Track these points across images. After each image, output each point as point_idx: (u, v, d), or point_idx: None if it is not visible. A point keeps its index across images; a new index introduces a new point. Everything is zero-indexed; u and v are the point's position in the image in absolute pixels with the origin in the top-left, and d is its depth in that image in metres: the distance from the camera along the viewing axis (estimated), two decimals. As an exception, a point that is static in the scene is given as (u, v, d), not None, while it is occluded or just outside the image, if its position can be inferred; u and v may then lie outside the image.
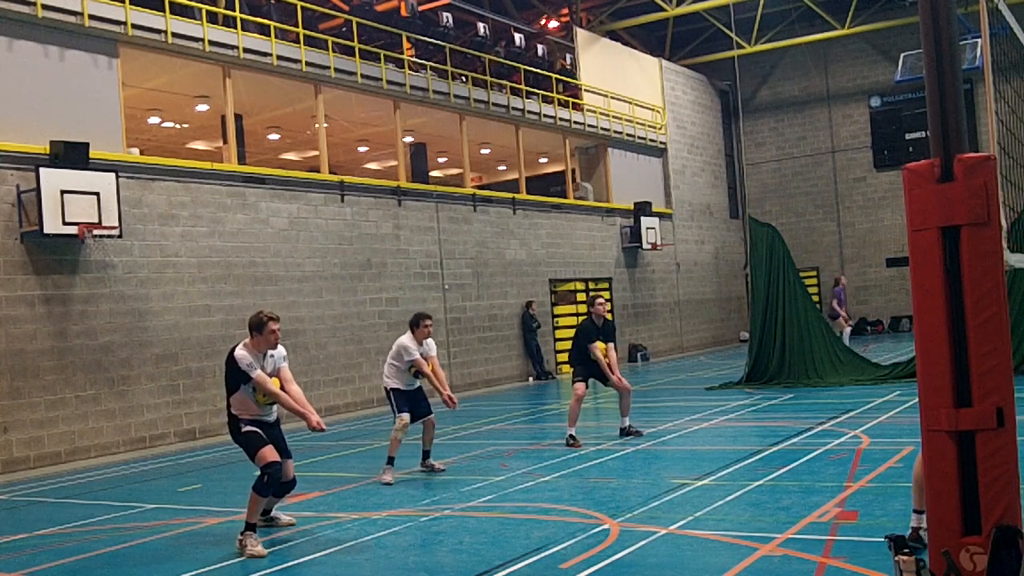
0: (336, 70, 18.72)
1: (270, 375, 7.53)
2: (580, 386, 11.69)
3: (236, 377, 7.46)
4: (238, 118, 18.37)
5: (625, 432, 12.02)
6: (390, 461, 9.98)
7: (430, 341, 10.27)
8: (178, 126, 21.90)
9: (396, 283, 19.52)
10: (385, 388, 10.25)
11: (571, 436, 11.58)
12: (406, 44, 21.24)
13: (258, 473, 7.42)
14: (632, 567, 6.11)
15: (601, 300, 11.99)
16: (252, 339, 7.53)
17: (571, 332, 21.83)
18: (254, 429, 7.51)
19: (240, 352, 7.45)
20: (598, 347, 11.64)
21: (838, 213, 33.40)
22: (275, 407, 7.74)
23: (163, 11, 15.61)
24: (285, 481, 7.73)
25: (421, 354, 10.03)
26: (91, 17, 14.50)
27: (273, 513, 8.08)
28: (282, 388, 7.57)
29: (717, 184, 33.44)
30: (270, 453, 7.38)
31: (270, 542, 7.51)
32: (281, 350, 7.73)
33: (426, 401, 10.30)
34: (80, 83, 14.53)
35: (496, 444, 12.43)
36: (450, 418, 14.56)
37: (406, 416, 9.98)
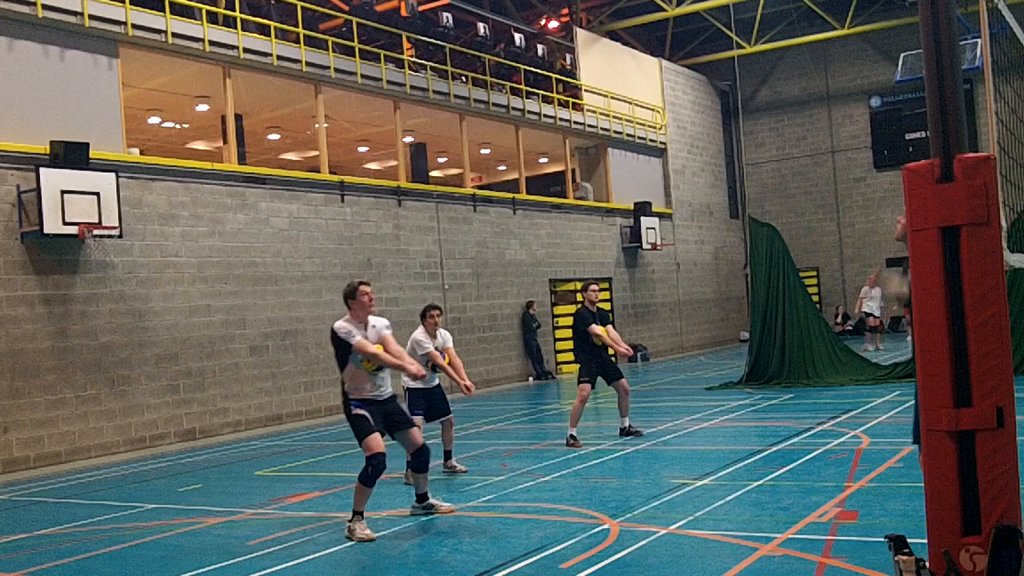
0: (336, 70, 18.72)
1: (373, 344, 7.61)
2: (586, 387, 11.65)
3: (342, 349, 7.58)
4: (238, 118, 18.37)
5: (625, 432, 12.01)
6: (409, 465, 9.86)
7: (446, 333, 10.22)
8: (178, 126, 21.90)
9: (396, 283, 19.52)
10: (403, 387, 10.07)
11: (572, 436, 11.58)
12: (406, 44, 21.25)
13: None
14: (632, 567, 6.10)
15: (594, 287, 12.02)
16: (350, 311, 7.68)
17: (572, 332, 21.56)
18: (363, 414, 7.54)
19: (339, 323, 7.63)
20: (598, 328, 11.64)
21: (838, 213, 33.40)
22: (387, 382, 7.77)
23: (163, 11, 15.62)
24: (415, 451, 7.83)
25: (436, 347, 9.95)
26: (91, 17, 14.50)
27: (431, 500, 8.15)
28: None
29: (717, 184, 33.44)
30: (375, 443, 7.43)
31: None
32: (383, 320, 7.87)
33: (445, 400, 10.15)
34: (80, 83, 14.53)
35: (496, 444, 12.43)
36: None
37: (418, 418, 9.81)
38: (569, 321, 24.35)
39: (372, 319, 7.73)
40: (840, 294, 32.89)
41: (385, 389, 7.73)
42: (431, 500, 8.18)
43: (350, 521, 7.49)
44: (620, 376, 11.88)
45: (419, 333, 10.00)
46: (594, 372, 11.70)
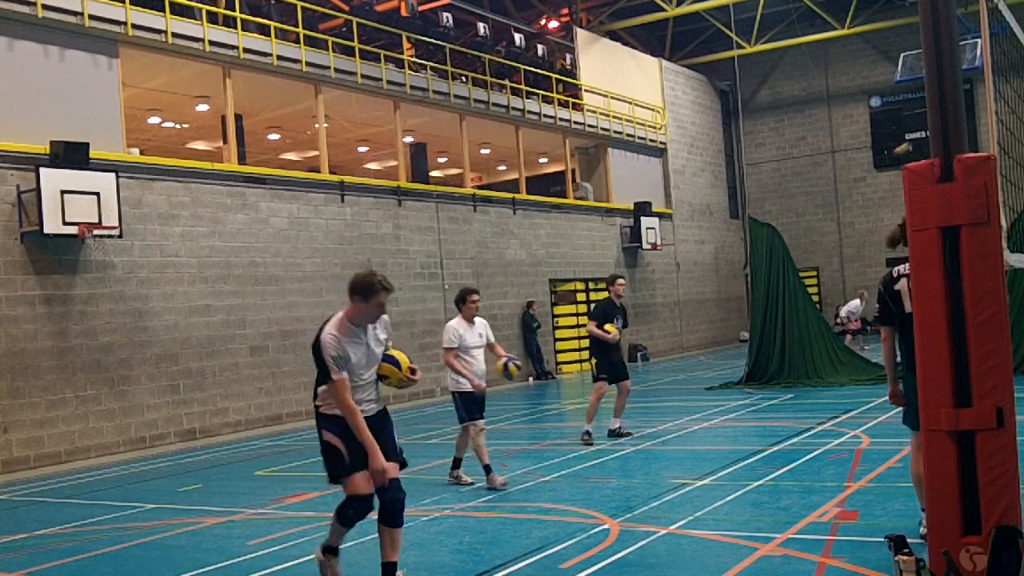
0: (336, 70, 18.72)
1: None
2: (603, 385, 11.68)
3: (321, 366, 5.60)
4: (238, 118, 18.37)
5: (614, 433, 11.94)
6: (457, 464, 9.59)
7: (484, 324, 9.30)
8: (178, 126, 21.89)
9: (396, 283, 19.48)
10: (451, 391, 9.46)
11: (587, 432, 11.55)
12: (406, 44, 21.24)
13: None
14: (632, 567, 6.10)
15: (622, 280, 11.96)
16: (353, 307, 5.71)
17: (571, 332, 21.39)
18: (335, 443, 5.55)
19: (328, 335, 5.62)
20: (593, 326, 11.65)
21: (838, 213, 33.40)
22: (376, 390, 5.80)
23: (163, 11, 15.61)
24: (383, 488, 5.53)
25: (479, 334, 9.23)
26: (91, 17, 14.49)
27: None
28: None
29: (717, 184, 33.44)
30: (361, 484, 5.52)
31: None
32: (384, 318, 5.86)
33: (483, 403, 9.50)
34: (80, 83, 14.52)
35: (496, 444, 12.41)
36: (450, 418, 14.53)
37: (481, 421, 9.28)
38: (570, 321, 24.51)
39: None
40: (840, 294, 32.83)
41: (373, 405, 5.72)
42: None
43: (323, 554, 5.89)
44: (625, 377, 11.88)
45: (454, 322, 9.16)
46: (609, 370, 11.70)
